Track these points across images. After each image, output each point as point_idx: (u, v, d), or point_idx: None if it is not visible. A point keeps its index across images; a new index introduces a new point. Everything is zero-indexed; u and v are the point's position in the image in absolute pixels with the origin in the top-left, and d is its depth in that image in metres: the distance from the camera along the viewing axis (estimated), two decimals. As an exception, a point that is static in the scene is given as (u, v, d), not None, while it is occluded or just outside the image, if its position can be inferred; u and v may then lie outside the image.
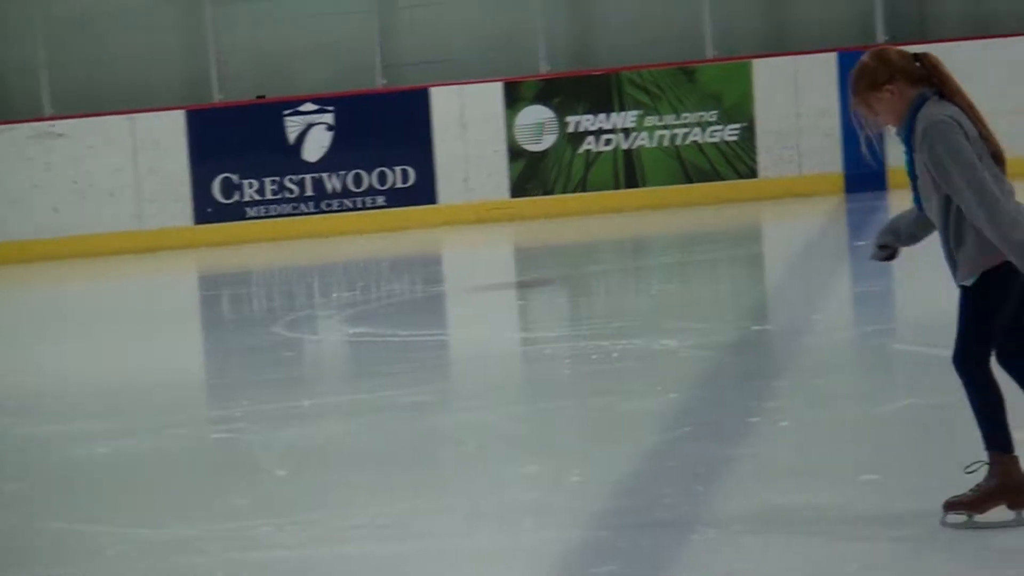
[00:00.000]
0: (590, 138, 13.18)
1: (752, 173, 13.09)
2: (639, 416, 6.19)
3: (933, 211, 4.42)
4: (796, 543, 4.21)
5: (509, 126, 13.53)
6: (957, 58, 13.15)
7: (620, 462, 5.19)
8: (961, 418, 5.64)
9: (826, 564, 3.94)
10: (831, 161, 13.05)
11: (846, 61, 13.07)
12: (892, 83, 4.25)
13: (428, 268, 12.71)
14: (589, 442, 5.71)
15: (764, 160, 13.16)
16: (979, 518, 4.32)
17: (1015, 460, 4.34)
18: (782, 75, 13.22)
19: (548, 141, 13.39)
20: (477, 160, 13.79)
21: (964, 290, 4.36)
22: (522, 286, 10.90)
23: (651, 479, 5.11)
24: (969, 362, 4.44)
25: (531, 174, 13.34)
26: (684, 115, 13.04)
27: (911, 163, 4.37)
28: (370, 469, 5.65)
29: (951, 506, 4.37)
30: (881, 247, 4.59)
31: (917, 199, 4.42)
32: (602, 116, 13.20)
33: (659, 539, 4.28)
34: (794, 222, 13.13)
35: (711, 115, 13.02)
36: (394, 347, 8.43)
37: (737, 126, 12.87)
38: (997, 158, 4.23)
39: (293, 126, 13.46)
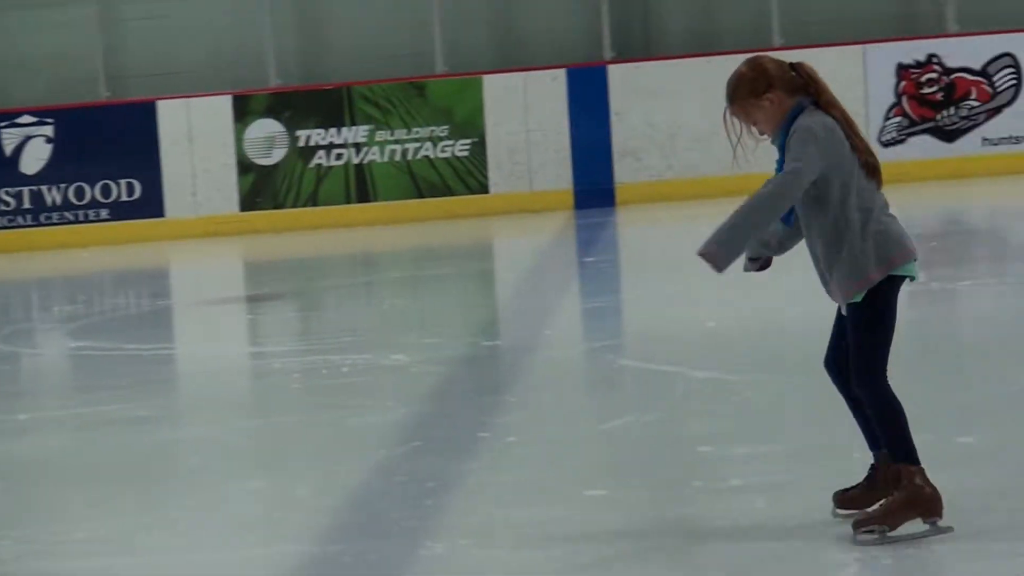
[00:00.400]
0: (321, 152, 13.49)
1: (483, 188, 13.48)
2: (368, 431, 6.26)
3: (811, 223, 4.51)
4: (522, 557, 4.29)
5: (238, 140, 13.78)
6: (680, 75, 13.82)
7: (348, 476, 5.26)
8: (681, 432, 6.00)
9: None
10: (561, 177, 13.49)
11: (575, 77, 13.70)
12: (771, 92, 4.31)
13: (155, 282, 12.71)
14: (317, 457, 5.76)
15: (495, 176, 13.56)
16: (892, 533, 4.37)
17: (923, 471, 4.37)
18: (512, 91, 13.64)
19: (278, 155, 13.67)
20: (205, 174, 13.95)
21: (854, 307, 4.42)
22: (251, 300, 10.98)
23: (379, 494, 5.18)
24: (870, 377, 4.49)
25: (261, 188, 13.62)
26: (415, 130, 13.46)
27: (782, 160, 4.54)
28: (90, 484, 5.57)
29: (860, 524, 4.40)
30: (752, 259, 4.62)
31: (788, 213, 4.49)
32: (333, 131, 13.53)
33: (386, 553, 4.33)
34: (525, 238, 13.48)
35: (442, 130, 13.41)
36: (118, 361, 8.37)
37: (468, 141, 13.29)
38: (870, 170, 4.28)
39: (9, 138, 13.58)
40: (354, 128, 13.51)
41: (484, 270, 13.19)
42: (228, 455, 5.87)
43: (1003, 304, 9.86)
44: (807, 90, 4.38)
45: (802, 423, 6.06)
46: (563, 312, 10.68)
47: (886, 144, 13.64)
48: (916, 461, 4.37)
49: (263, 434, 6.50)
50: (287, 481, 5.32)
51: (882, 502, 4.41)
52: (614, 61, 14.41)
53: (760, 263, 4.56)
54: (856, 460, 4.76)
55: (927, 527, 4.36)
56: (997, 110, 13.76)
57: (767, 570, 4.13)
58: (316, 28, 14.86)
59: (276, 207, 13.54)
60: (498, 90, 13.74)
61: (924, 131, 13.85)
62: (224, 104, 13.78)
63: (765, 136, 4.42)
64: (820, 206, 4.36)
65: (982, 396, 6.89)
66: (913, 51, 13.88)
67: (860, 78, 13.78)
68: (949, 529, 4.38)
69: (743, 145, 4.49)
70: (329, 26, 14.80)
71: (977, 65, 13.79)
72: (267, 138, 13.42)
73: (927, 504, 4.35)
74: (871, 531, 4.38)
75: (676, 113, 13.98)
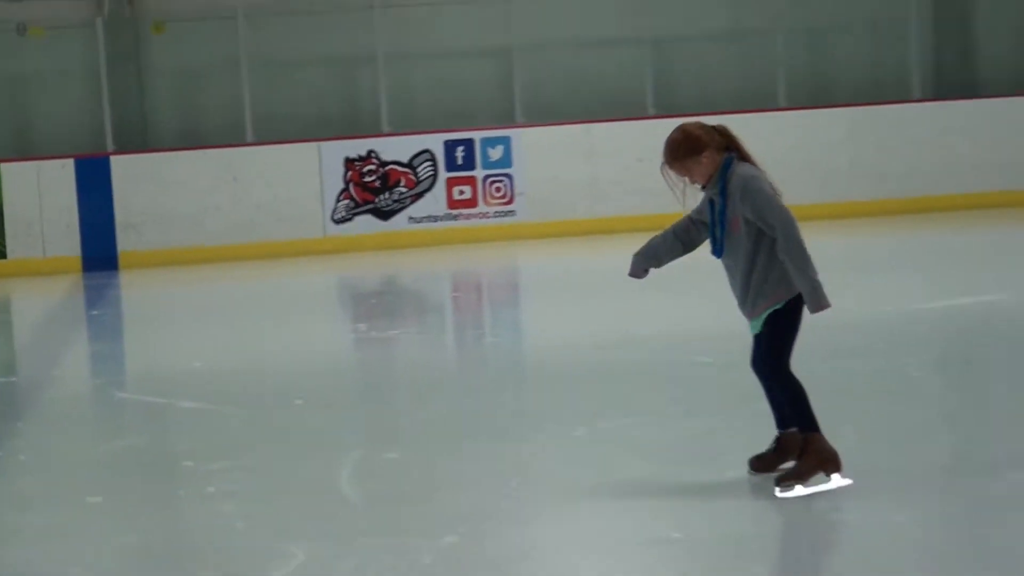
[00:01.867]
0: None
1: (3, 255, 14.88)
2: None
3: (740, 256, 5.13)
4: (20, 556, 5.15)
5: None
6: (171, 164, 15.33)
7: None
8: (169, 451, 7.16)
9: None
10: (71, 247, 14.94)
11: (82, 165, 15.29)
12: (706, 151, 5.02)
13: None
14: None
15: (12, 244, 14.94)
16: (805, 486, 5.11)
17: (822, 437, 5.11)
18: (27, 176, 15.02)
19: None
20: None
21: (772, 316, 5.11)
22: None
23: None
24: (779, 369, 5.21)
25: None
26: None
27: (722, 213, 5.09)
28: None
29: (782, 480, 5.14)
30: (645, 269, 5.37)
31: (718, 247, 5.17)
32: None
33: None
34: (39, 296, 14.55)
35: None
36: None
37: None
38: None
39: None
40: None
41: (2, 321, 13.96)
42: None
43: (422, 348, 11.33)
44: (729, 147, 5.08)
45: (272, 443, 7.13)
46: (71, 354, 11.75)
47: (337, 222, 15.44)
48: (818, 429, 5.13)
49: None
50: None
51: (795, 463, 5.15)
52: (116, 152, 15.78)
53: (646, 272, 5.37)
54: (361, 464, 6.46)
55: (829, 479, 5.14)
56: (420, 195, 15.59)
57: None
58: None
59: None
60: (16, 175, 15.07)
61: (366, 211, 15.54)
62: None
63: (698, 185, 5.15)
64: (759, 239, 5.05)
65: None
66: (357, 147, 15.55)
67: (316, 169, 15.39)
68: (848, 482, 5.12)
69: (677, 191, 5.27)
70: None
71: (405, 159, 15.58)
72: None
73: (828, 462, 5.14)
74: (790, 485, 5.12)
75: (169, 194, 15.33)
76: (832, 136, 15.22)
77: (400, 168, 15.50)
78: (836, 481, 5.11)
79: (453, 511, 5.68)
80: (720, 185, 5.00)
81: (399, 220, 15.59)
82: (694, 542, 5.05)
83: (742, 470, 5.57)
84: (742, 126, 5.76)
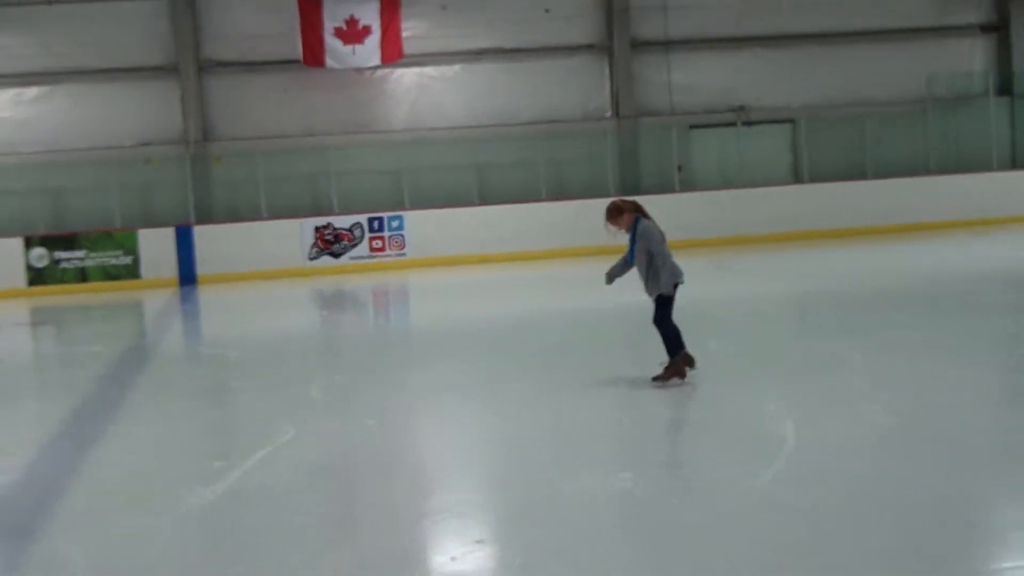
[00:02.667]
0: None
1: (139, 276, 23.79)
2: None
3: (641, 266, 8.71)
4: None
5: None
6: (226, 232, 25.01)
7: None
8: None
9: None
10: (172, 272, 23.96)
11: (179, 231, 23.89)
12: (627, 213, 8.81)
13: None
14: None
15: (145, 271, 23.81)
16: (667, 384, 8.83)
17: (688, 355, 8.94)
18: (152, 236, 24.25)
19: None
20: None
21: (657, 299, 8.92)
22: None
23: None
24: (668, 322, 8.94)
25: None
26: None
27: (632, 245, 8.75)
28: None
29: (656, 379, 8.92)
30: (611, 281, 9.15)
31: (632, 260, 8.84)
32: None
33: None
34: (157, 298, 20.27)
35: None
36: None
37: None
38: (664, 240, 8.75)
39: None
40: None
41: (138, 311, 19.17)
42: None
43: (356, 325, 16.25)
44: (638, 210, 8.77)
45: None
46: (174, 327, 16.33)
47: (311, 259, 24.08)
48: (684, 347, 8.92)
49: None
50: None
51: (663, 370, 9.00)
52: (196, 223, 24.51)
53: (613, 282, 9.07)
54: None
55: (683, 380, 8.93)
56: (355, 245, 24.42)
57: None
58: None
59: None
60: (147, 236, 23.95)
61: (326, 254, 24.26)
62: None
63: (621, 231, 8.83)
64: (650, 260, 8.76)
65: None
66: (321, 221, 24.45)
67: (299, 232, 24.15)
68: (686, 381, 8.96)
69: (610, 234, 9.00)
70: None
71: (347, 226, 24.50)
72: None
73: (682, 371, 8.97)
74: (663, 380, 8.92)
75: (225, 244, 24.10)
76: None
77: (344, 231, 24.69)
78: (684, 380, 8.95)
79: (382, 403, 9.30)
80: (633, 231, 8.71)
81: (344, 259, 24.55)
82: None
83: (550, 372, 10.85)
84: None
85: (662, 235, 8.86)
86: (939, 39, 28.84)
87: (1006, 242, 21.50)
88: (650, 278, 8.85)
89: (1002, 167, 28.27)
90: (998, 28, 29.34)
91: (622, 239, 8.99)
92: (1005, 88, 28.99)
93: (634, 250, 8.85)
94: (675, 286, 8.95)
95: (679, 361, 8.99)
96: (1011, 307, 13.54)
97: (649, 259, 8.82)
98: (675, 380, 8.99)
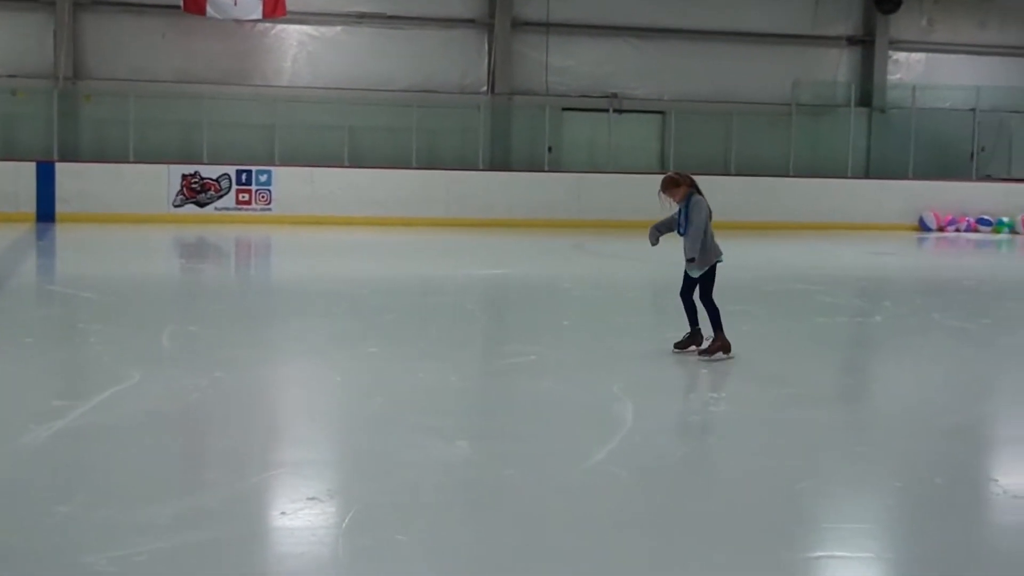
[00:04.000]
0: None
1: None
2: None
3: (688, 236, 9.18)
4: None
5: None
6: (90, 171, 25.09)
7: None
8: None
9: None
10: (31, 208, 24.16)
11: (41, 166, 23.83)
12: (683, 186, 9.23)
13: None
14: None
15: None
16: (712, 357, 9.30)
17: (723, 335, 9.35)
18: (7, 169, 24.21)
19: None
20: None
21: (701, 276, 9.29)
22: None
23: None
24: (709, 300, 9.30)
25: None
26: None
27: (686, 216, 9.19)
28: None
29: (703, 353, 9.36)
30: (657, 239, 9.50)
31: (683, 231, 9.27)
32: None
33: None
34: (13, 233, 21.01)
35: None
36: None
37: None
38: (711, 218, 9.14)
39: None
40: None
41: None
42: None
43: (217, 274, 17.28)
44: (693, 185, 9.19)
45: None
46: (27, 264, 16.47)
47: (176, 206, 24.61)
48: (722, 329, 9.28)
49: None
50: None
51: (705, 345, 9.42)
52: (59, 160, 24.31)
53: (657, 242, 9.47)
54: None
55: (727, 356, 9.26)
56: (221, 196, 24.67)
57: None
58: None
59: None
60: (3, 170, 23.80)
61: (191, 202, 24.50)
62: None
63: (673, 203, 9.28)
64: (696, 233, 9.15)
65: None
66: (189, 169, 24.80)
67: (167, 178, 24.68)
68: (732, 356, 9.24)
69: (663, 204, 9.38)
70: None
71: (215, 176, 24.67)
72: None
73: (727, 346, 9.32)
74: (708, 355, 9.23)
75: (89, 183, 23.98)
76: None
77: (212, 181, 25.05)
78: (728, 356, 9.25)
79: (232, 356, 9.71)
80: (685, 205, 9.19)
81: (209, 209, 24.98)
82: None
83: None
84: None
85: (710, 212, 9.32)
86: (808, 47, 29.85)
87: (853, 246, 22.22)
88: (698, 250, 9.26)
89: (856, 175, 29.31)
90: (864, 41, 30.36)
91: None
92: (865, 100, 30.08)
93: (685, 223, 9.26)
94: (715, 264, 9.43)
95: (723, 336, 9.46)
96: (854, 308, 14.15)
97: (696, 233, 9.28)
98: (720, 354, 9.42)
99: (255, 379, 8.81)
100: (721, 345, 9.39)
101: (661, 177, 9.34)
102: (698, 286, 9.37)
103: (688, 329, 9.63)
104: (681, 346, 9.57)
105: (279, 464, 6.51)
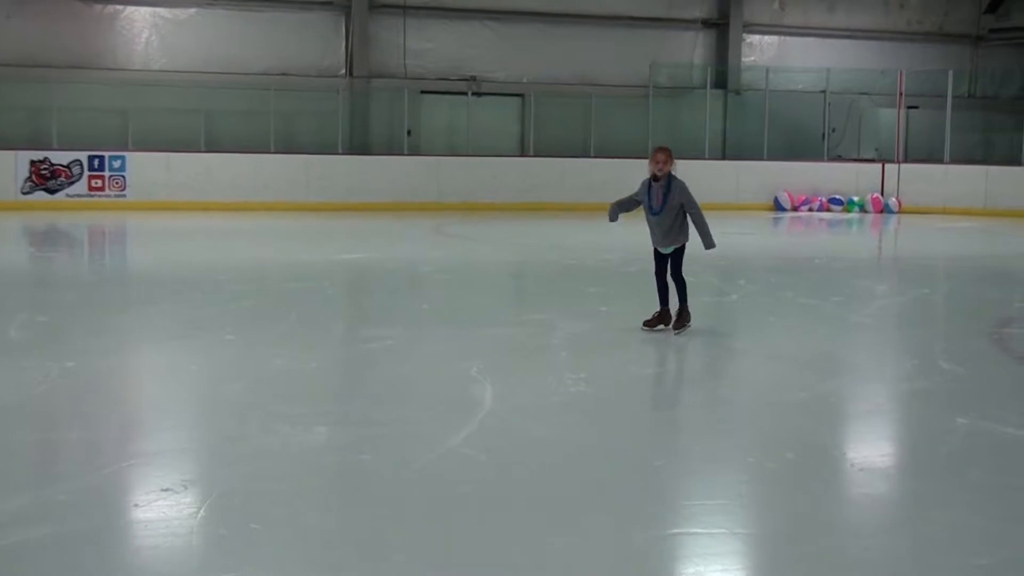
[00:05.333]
0: None
1: None
2: None
3: (666, 218, 9.61)
4: None
5: None
6: None
7: None
8: None
9: None
10: None
11: None
12: (673, 162, 9.62)
13: None
14: None
15: None
16: (680, 330, 9.90)
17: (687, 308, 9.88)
18: None
19: None
20: None
21: (674, 251, 9.79)
22: None
23: None
24: (679, 274, 9.82)
25: None
26: None
27: (666, 196, 9.58)
28: None
29: (675, 327, 9.93)
30: (616, 216, 9.93)
31: (658, 211, 9.62)
32: None
33: None
34: None
35: None
36: None
37: None
38: None
39: None
40: None
41: None
42: None
43: (68, 263, 18.47)
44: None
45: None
46: None
47: (24, 193, 23.91)
48: (687, 301, 9.90)
49: None
50: None
51: (676, 319, 9.96)
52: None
53: (616, 219, 9.88)
54: None
55: (687, 327, 9.90)
56: (72, 183, 24.31)
57: None
58: None
59: None
60: None
61: (41, 189, 23.97)
62: None
63: (657, 173, 9.60)
64: (678, 212, 9.59)
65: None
66: (38, 155, 24.06)
67: (14, 164, 23.89)
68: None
69: (652, 168, 9.65)
70: None
71: (66, 162, 24.15)
72: None
73: (689, 319, 9.95)
74: (682, 328, 9.86)
75: None
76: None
77: (62, 167, 24.48)
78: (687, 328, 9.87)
79: (84, 345, 9.70)
80: (667, 182, 9.50)
81: (60, 195, 24.37)
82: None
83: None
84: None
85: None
86: (664, 30, 30.33)
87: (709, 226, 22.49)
88: (674, 229, 9.70)
89: (713, 156, 29.82)
90: (719, 24, 30.93)
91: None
92: (721, 82, 30.67)
93: (666, 200, 9.61)
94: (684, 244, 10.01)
95: (687, 310, 10.05)
96: (711, 287, 14.39)
97: (678, 212, 9.70)
98: (688, 325, 10.05)
99: (108, 369, 8.71)
100: (688, 317, 9.99)
101: (660, 145, 9.88)
102: (669, 262, 9.81)
103: (658, 308, 10.12)
104: (650, 324, 9.97)
105: (133, 455, 6.43)
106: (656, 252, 9.93)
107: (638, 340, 10.34)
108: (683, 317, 9.92)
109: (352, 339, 10.50)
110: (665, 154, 9.50)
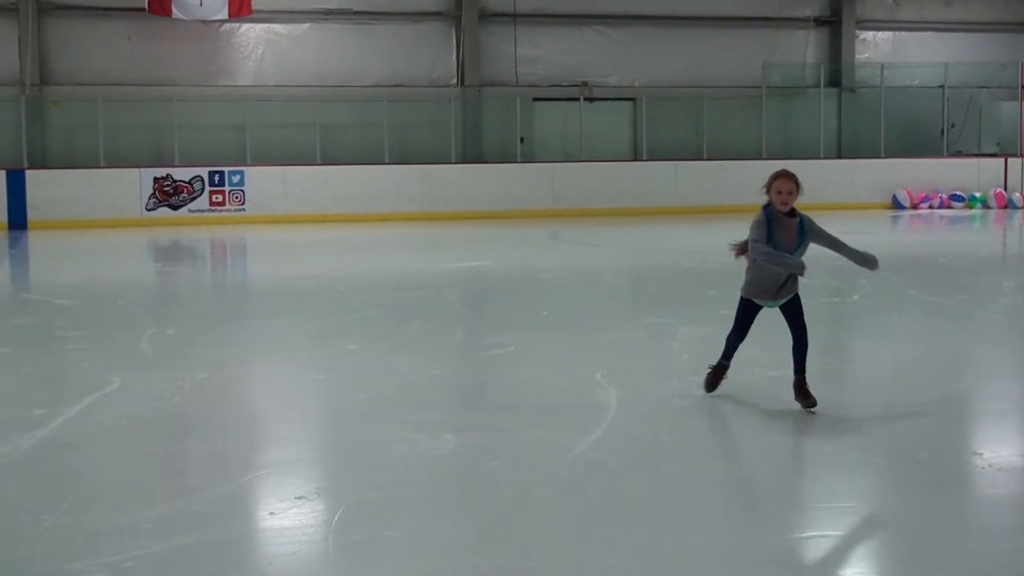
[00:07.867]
0: None
1: None
2: None
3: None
4: None
5: None
6: (59, 177, 25.14)
7: None
8: None
9: None
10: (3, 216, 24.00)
11: (11, 174, 23.59)
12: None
13: None
14: None
15: None
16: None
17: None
18: None
19: None
20: None
21: (792, 301, 7.41)
22: None
23: None
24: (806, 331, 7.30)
25: None
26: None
27: (803, 236, 7.28)
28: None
29: (810, 404, 7.37)
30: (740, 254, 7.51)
31: (792, 252, 7.24)
32: None
33: None
34: None
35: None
36: None
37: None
38: None
39: None
40: None
41: None
42: None
43: (193, 277, 17.39)
44: None
45: None
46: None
47: (149, 209, 24.93)
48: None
49: None
50: None
51: (805, 395, 7.41)
52: (28, 168, 24.09)
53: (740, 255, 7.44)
54: None
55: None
56: (194, 199, 24.99)
57: None
58: None
59: None
60: None
61: (164, 205, 24.56)
62: None
63: (784, 205, 7.19)
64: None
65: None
66: (161, 172, 24.85)
67: (138, 181, 24.83)
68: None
69: (778, 197, 7.17)
70: None
71: (187, 179, 24.70)
72: None
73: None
74: (814, 407, 7.29)
75: (57, 189, 23.94)
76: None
77: (184, 183, 25.14)
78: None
79: (213, 357, 9.43)
80: (800, 218, 7.21)
81: (183, 211, 25.05)
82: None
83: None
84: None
85: None
86: (776, 29, 30.00)
87: (826, 226, 22.19)
88: (791, 275, 7.37)
89: (828, 155, 29.40)
90: (831, 22, 30.50)
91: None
92: (835, 80, 30.24)
93: (801, 242, 7.35)
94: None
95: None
96: (830, 288, 14.19)
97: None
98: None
99: (236, 380, 8.79)
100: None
101: (783, 170, 7.29)
102: (789, 315, 7.48)
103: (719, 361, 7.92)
104: (715, 383, 7.91)
105: (265, 464, 6.50)
106: (748, 304, 7.61)
107: (760, 343, 10.19)
108: (806, 389, 7.45)
109: (474, 346, 10.53)
110: (793, 182, 7.15)
